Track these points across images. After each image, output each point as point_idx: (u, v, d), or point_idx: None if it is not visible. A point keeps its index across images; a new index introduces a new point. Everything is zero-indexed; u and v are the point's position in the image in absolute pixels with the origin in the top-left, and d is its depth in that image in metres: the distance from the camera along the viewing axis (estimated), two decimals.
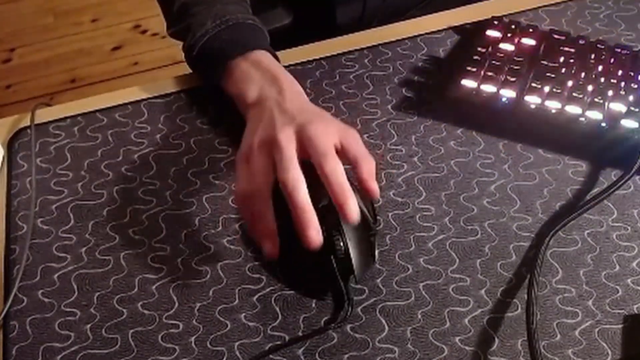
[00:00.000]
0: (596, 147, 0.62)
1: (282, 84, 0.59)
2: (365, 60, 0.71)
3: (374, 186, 0.52)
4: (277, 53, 0.66)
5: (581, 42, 0.68)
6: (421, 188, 0.61)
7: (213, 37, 0.63)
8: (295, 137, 0.52)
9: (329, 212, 0.51)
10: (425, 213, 0.59)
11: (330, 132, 0.53)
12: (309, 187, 0.50)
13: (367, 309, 0.53)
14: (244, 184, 0.53)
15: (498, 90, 0.64)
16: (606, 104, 0.63)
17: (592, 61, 0.66)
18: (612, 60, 0.66)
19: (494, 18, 0.71)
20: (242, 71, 0.62)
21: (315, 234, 0.49)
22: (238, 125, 0.59)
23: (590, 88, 0.64)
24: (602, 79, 0.64)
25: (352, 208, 0.49)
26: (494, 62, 0.66)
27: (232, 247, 0.57)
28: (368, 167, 0.52)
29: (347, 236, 0.52)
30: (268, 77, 0.60)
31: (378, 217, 0.58)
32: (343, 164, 0.51)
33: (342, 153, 0.53)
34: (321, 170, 0.50)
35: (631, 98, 0.63)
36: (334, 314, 0.53)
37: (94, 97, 0.69)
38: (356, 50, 0.72)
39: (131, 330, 0.52)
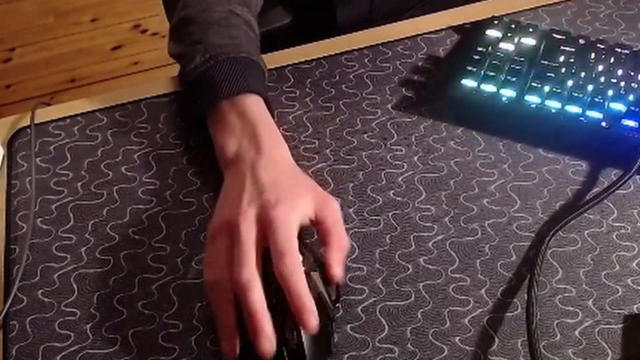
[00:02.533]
0: (596, 147, 0.62)
1: (262, 143, 0.55)
2: (365, 60, 0.71)
3: (337, 272, 0.49)
4: (277, 53, 0.66)
5: (581, 41, 0.68)
6: (421, 188, 0.61)
7: (201, 74, 0.59)
8: (256, 220, 0.49)
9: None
10: (425, 213, 0.59)
11: (294, 216, 0.50)
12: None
13: (367, 309, 0.53)
14: (208, 272, 0.50)
15: (498, 90, 0.64)
16: (606, 104, 0.63)
17: (592, 61, 0.66)
18: (612, 60, 0.66)
19: (494, 18, 0.71)
20: (224, 119, 0.58)
21: (265, 342, 0.46)
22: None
23: (590, 88, 0.64)
24: (602, 79, 0.64)
25: (309, 320, 0.46)
26: (494, 62, 0.66)
27: None
28: (337, 252, 0.50)
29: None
30: (248, 133, 0.56)
31: (342, 298, 0.53)
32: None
33: (315, 226, 0.51)
34: (277, 272, 0.47)
35: (631, 98, 0.63)
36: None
37: (94, 97, 0.69)
38: (356, 50, 0.72)
39: (131, 330, 0.52)
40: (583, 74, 0.65)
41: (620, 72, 0.65)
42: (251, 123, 0.57)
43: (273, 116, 0.60)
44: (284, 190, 0.52)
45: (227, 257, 0.49)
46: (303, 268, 0.48)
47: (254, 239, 0.49)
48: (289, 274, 0.47)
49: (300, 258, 0.49)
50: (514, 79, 0.65)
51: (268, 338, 0.46)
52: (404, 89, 0.68)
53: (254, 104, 0.58)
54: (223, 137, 0.57)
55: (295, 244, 0.49)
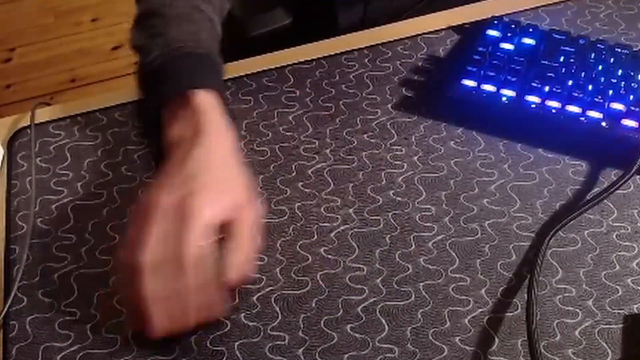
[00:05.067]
0: (596, 147, 0.62)
1: (202, 132, 0.55)
2: (365, 60, 0.71)
3: (232, 275, 0.51)
4: (277, 53, 0.66)
5: (581, 41, 0.68)
6: (421, 188, 0.61)
7: (157, 68, 0.59)
8: (173, 207, 0.50)
9: None
10: (425, 213, 0.59)
11: (211, 209, 0.50)
12: None
13: (367, 309, 0.53)
14: (122, 253, 0.51)
15: (498, 90, 0.64)
16: (606, 104, 0.63)
17: (592, 61, 0.66)
18: (612, 60, 0.66)
19: (494, 18, 0.71)
20: (174, 110, 0.57)
21: (155, 326, 0.49)
22: (238, 125, 0.58)
23: (590, 88, 0.64)
24: (602, 79, 0.64)
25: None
26: (494, 62, 0.66)
27: None
28: (239, 254, 0.51)
29: None
30: (192, 122, 0.56)
31: (236, 301, 0.55)
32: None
33: (226, 225, 0.51)
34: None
35: (631, 98, 0.63)
36: (334, 313, 0.53)
37: (94, 97, 0.69)
38: (356, 50, 0.72)
39: (131, 330, 0.52)
40: (583, 74, 0.65)
41: (620, 72, 0.65)
42: (197, 114, 0.57)
43: (233, 115, 0.60)
44: (209, 182, 0.52)
45: (136, 236, 0.50)
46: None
47: (162, 225, 0.49)
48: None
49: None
50: (514, 79, 0.65)
51: (157, 323, 0.49)
52: (404, 89, 0.68)
53: (205, 99, 0.58)
54: (170, 125, 0.57)
55: (197, 239, 0.49)
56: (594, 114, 0.62)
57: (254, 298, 0.54)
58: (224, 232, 0.51)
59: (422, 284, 0.54)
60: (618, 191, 0.59)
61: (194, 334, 0.52)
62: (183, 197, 0.50)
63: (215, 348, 0.51)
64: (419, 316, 0.53)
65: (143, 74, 0.60)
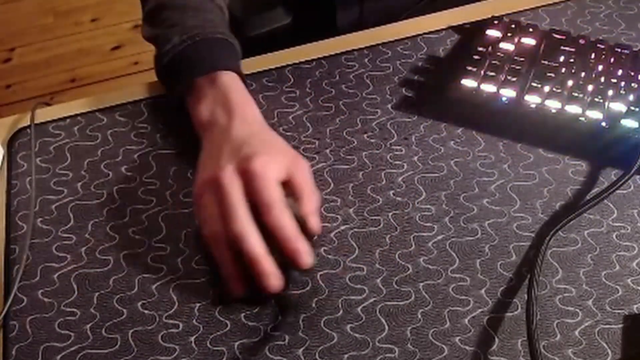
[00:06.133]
0: (596, 147, 0.62)
1: (233, 107, 0.58)
2: (365, 60, 0.71)
3: (314, 222, 0.53)
4: (277, 53, 0.66)
5: (581, 41, 0.68)
6: (421, 188, 0.61)
7: (178, 54, 0.62)
8: (237, 173, 0.52)
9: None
10: (425, 213, 0.59)
11: (273, 167, 0.53)
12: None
13: (367, 309, 0.53)
14: (204, 228, 0.54)
15: (498, 90, 0.64)
16: (606, 104, 0.63)
17: (592, 61, 0.66)
18: (612, 60, 0.66)
19: (494, 18, 0.71)
20: (200, 91, 0.61)
21: (272, 280, 0.51)
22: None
23: (590, 88, 0.64)
24: (602, 79, 0.64)
25: (301, 258, 0.51)
26: (494, 62, 0.66)
27: None
28: (311, 204, 0.53)
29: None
30: (220, 100, 0.59)
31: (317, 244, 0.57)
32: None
33: (289, 185, 0.53)
34: (268, 223, 0.51)
35: (631, 98, 0.63)
36: (334, 313, 0.53)
37: (94, 97, 0.69)
38: (356, 50, 0.72)
39: (131, 330, 0.52)
40: (583, 74, 0.65)
41: (620, 72, 0.65)
42: (223, 91, 0.60)
43: (249, 92, 0.62)
44: (259, 145, 0.55)
45: (218, 211, 0.52)
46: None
47: (238, 190, 0.52)
48: (279, 223, 0.51)
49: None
50: (514, 79, 0.65)
51: (273, 275, 0.51)
52: (404, 89, 0.68)
53: (229, 78, 0.61)
54: (198, 107, 0.60)
55: (278, 192, 0.52)
56: (594, 114, 0.62)
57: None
58: (285, 189, 0.53)
59: (422, 284, 0.54)
60: (618, 191, 0.59)
61: (288, 289, 0.53)
62: (243, 162, 0.53)
63: (215, 348, 0.51)
64: (419, 316, 0.53)
65: (164, 61, 0.62)
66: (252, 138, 0.56)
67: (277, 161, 0.53)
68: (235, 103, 0.59)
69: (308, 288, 0.55)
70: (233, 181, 0.52)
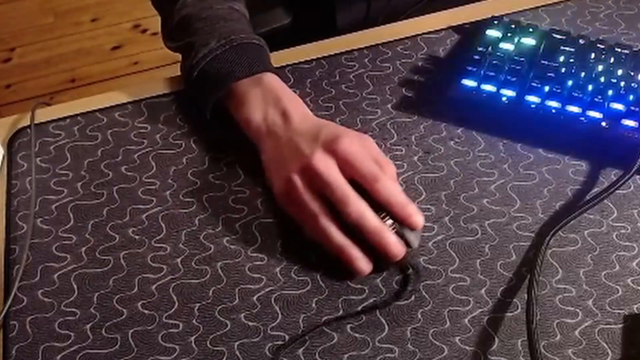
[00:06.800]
0: (596, 147, 0.62)
1: (285, 105, 0.59)
2: (365, 60, 0.71)
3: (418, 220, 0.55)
4: (277, 53, 0.66)
5: (581, 41, 0.68)
6: (421, 188, 0.61)
7: (217, 58, 0.62)
8: (330, 157, 0.53)
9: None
10: (425, 213, 0.59)
11: (359, 144, 0.55)
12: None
13: (367, 309, 0.53)
14: (311, 231, 0.55)
15: (498, 90, 0.64)
16: (606, 103, 0.63)
17: (592, 61, 0.66)
18: (612, 60, 0.66)
19: (494, 18, 0.71)
20: (245, 93, 0.61)
21: (398, 249, 0.53)
22: (237, 126, 0.58)
23: (590, 88, 0.64)
24: (602, 79, 0.64)
25: (417, 218, 0.53)
26: (494, 62, 0.66)
27: (232, 246, 0.57)
28: (392, 171, 0.56)
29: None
30: (271, 100, 0.60)
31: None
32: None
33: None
34: (377, 194, 0.53)
35: (631, 98, 0.63)
36: (334, 313, 0.53)
37: (94, 97, 0.69)
38: (356, 50, 0.72)
39: (131, 330, 0.52)
40: (583, 74, 0.65)
41: (620, 72, 0.65)
42: (272, 92, 0.60)
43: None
44: (333, 129, 0.56)
45: (320, 209, 0.53)
46: None
47: (337, 171, 0.53)
48: (390, 192, 0.53)
49: None
50: (514, 79, 0.65)
51: (394, 243, 0.53)
52: (404, 89, 0.68)
53: (274, 79, 0.62)
54: (247, 111, 0.60)
55: (377, 168, 0.54)
56: (594, 114, 0.62)
57: (254, 298, 0.54)
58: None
59: (422, 284, 0.54)
60: (618, 191, 0.59)
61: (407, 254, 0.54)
62: (330, 144, 0.54)
63: (215, 348, 0.51)
64: (419, 316, 0.53)
65: (201, 65, 0.62)
66: (323, 126, 0.57)
67: (352, 142, 0.54)
68: (287, 100, 0.59)
69: (308, 288, 0.55)
70: (329, 163, 0.53)
